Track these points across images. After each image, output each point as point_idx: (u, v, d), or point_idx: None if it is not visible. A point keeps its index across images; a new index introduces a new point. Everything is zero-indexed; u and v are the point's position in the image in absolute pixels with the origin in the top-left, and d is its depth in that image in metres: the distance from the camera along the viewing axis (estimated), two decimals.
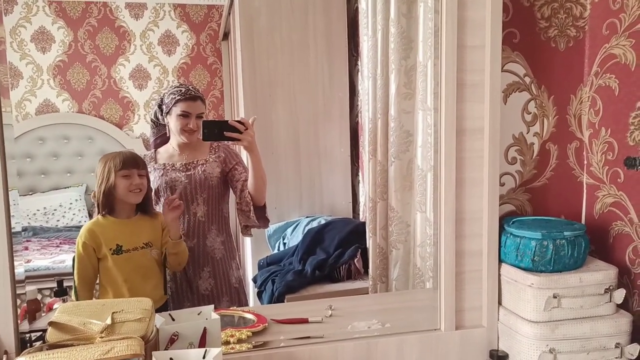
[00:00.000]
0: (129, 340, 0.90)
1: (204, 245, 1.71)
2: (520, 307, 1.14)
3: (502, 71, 1.25)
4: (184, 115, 1.67)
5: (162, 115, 1.76)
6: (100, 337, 0.93)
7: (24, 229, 3.07)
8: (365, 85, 2.07)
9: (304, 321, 1.35)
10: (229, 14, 3.02)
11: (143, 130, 3.85)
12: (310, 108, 2.62)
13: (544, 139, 1.30)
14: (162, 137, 1.80)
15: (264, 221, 1.76)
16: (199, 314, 1.12)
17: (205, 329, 1.04)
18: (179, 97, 1.69)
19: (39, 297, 2.39)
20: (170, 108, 1.69)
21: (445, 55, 1.13)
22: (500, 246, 1.19)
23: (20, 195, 3.56)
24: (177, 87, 1.75)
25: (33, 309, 1.17)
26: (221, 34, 3.66)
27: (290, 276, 2.11)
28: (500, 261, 1.20)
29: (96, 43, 3.74)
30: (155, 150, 1.76)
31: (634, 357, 1.11)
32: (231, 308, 1.42)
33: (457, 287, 1.18)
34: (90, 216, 3.44)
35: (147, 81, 3.87)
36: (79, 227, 3.16)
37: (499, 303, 1.21)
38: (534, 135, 1.30)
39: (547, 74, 1.28)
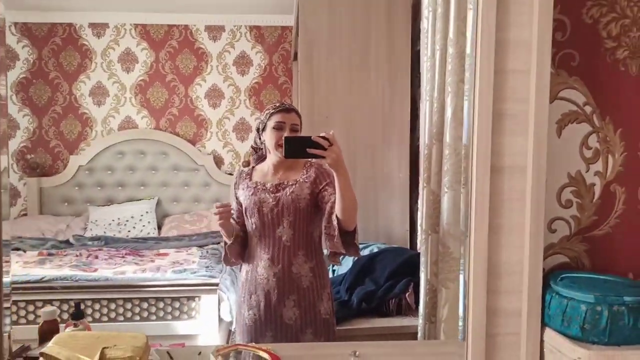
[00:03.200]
0: None
1: (289, 272, 1.64)
2: None
3: (556, 99, 1.08)
4: (278, 127, 1.64)
5: (260, 138, 1.76)
6: None
7: (98, 238, 3.27)
8: (423, 108, 1.95)
9: None
10: (297, 34, 3.02)
11: (214, 147, 3.98)
12: (369, 130, 2.53)
13: (608, 179, 1.09)
14: (261, 160, 1.79)
15: (353, 248, 1.63)
16: (199, 354, 1.06)
17: None
18: (272, 111, 1.68)
19: (97, 306, 2.52)
20: (265, 123, 1.68)
21: (479, 80, 0.99)
22: (544, 307, 1.01)
23: (99, 206, 3.83)
24: (272, 104, 1.74)
25: (48, 330, 1.18)
26: (292, 54, 3.69)
27: (335, 307, 2.01)
28: (544, 325, 1.01)
29: (176, 64, 3.94)
30: (252, 168, 1.76)
31: None
32: (249, 344, 1.34)
33: (489, 351, 1.01)
34: (159, 229, 3.61)
35: (221, 100, 4.00)
36: (146, 239, 3.33)
37: None
38: (595, 175, 1.09)
39: (613, 103, 1.08)
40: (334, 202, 1.58)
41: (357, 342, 1.51)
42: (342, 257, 1.74)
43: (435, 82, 1.81)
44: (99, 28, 3.85)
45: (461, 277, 1.62)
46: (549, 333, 1.00)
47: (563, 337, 0.97)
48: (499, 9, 0.98)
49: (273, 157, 1.67)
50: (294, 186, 1.65)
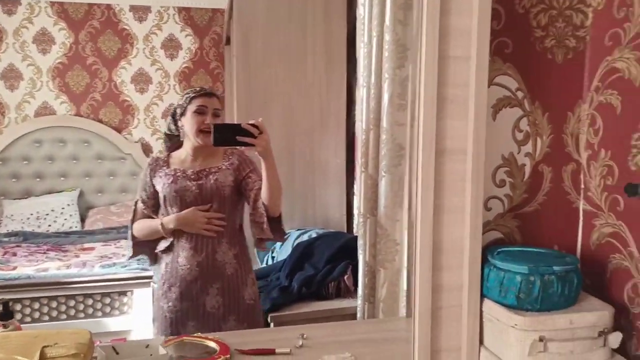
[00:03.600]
0: None
1: (214, 260, 1.61)
2: (503, 349, 1.02)
3: (491, 85, 1.14)
4: (200, 111, 1.60)
5: (175, 124, 1.70)
6: None
7: (15, 234, 3.02)
8: (360, 94, 1.98)
9: (271, 352, 1.25)
10: (230, 18, 2.94)
11: (142, 134, 3.81)
12: (307, 117, 2.53)
13: (537, 159, 1.18)
14: (176, 146, 1.73)
15: (279, 233, 1.66)
16: (146, 347, 1.02)
17: None
18: (193, 95, 1.63)
19: (19, 307, 2.33)
20: (185, 107, 1.63)
21: (425, 66, 1.02)
22: (482, 279, 1.07)
23: (15, 199, 3.54)
24: (191, 88, 1.70)
25: None
26: (224, 38, 3.59)
27: (276, 293, 2.01)
28: (483, 296, 1.08)
29: (98, 45, 3.71)
30: (168, 154, 1.70)
31: None
32: (195, 335, 1.31)
33: (434, 324, 1.06)
34: (83, 222, 3.40)
35: (149, 85, 3.82)
36: (68, 234, 3.14)
37: (481, 343, 1.09)
38: (525, 156, 1.17)
39: (542, 89, 1.16)
40: (258, 189, 1.59)
41: (304, 325, 1.53)
42: (267, 242, 1.74)
43: (372, 68, 1.84)
44: (9, 5, 3.53)
45: (405, 256, 1.69)
46: (487, 304, 1.07)
47: (500, 306, 1.03)
48: None
49: (193, 142, 1.62)
50: (217, 173, 1.62)
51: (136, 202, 1.69)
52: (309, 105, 2.52)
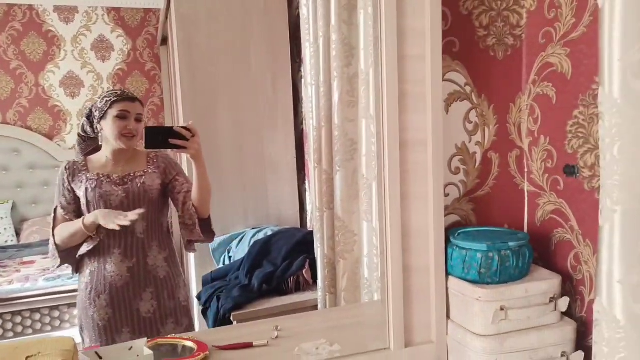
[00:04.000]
0: None
1: (145, 265, 1.60)
2: (469, 321, 1.12)
3: (443, 81, 1.24)
4: (122, 116, 1.57)
5: (91, 126, 1.64)
6: None
7: None
8: (308, 92, 2.03)
9: (249, 345, 1.28)
10: (167, 17, 2.89)
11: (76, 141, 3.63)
12: (254, 115, 2.55)
13: (486, 147, 1.29)
14: (92, 151, 1.67)
15: (209, 235, 1.68)
16: (130, 349, 1.02)
17: None
18: (115, 99, 1.58)
19: None
20: (106, 111, 1.58)
21: (387, 65, 1.09)
22: (447, 259, 1.17)
23: None
24: (111, 91, 1.65)
25: None
26: (159, 38, 3.51)
27: (237, 292, 2.02)
28: (448, 274, 1.18)
29: (21, 48, 3.50)
30: (85, 158, 1.63)
31: None
32: (170, 336, 1.32)
33: (406, 303, 1.15)
34: (18, 235, 3.21)
35: (80, 89, 3.65)
36: (5, 248, 2.95)
37: (448, 317, 1.19)
38: (476, 145, 1.29)
39: (486, 83, 1.28)
40: (187, 192, 1.62)
41: (276, 317, 1.57)
42: (196, 244, 1.74)
43: (320, 67, 1.90)
44: None
45: (364, 245, 1.76)
46: (452, 280, 1.17)
47: (465, 282, 1.13)
48: (398, 1, 1.09)
49: (113, 146, 1.60)
50: (143, 177, 1.61)
51: (55, 209, 1.62)
52: (255, 103, 2.55)
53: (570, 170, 1.16)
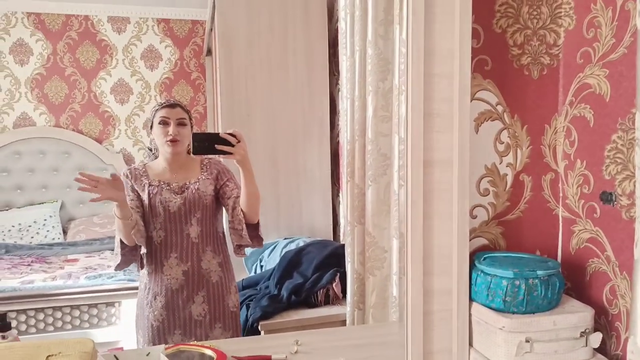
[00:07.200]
0: None
1: (199, 268, 1.65)
2: (492, 350, 1.08)
3: (473, 99, 1.21)
4: (164, 122, 1.64)
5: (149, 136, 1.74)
6: None
7: None
8: (344, 105, 2.03)
9: (267, 359, 1.28)
10: (211, 29, 2.97)
11: (124, 145, 3.79)
12: (290, 127, 2.58)
13: (518, 169, 1.25)
14: (153, 158, 1.77)
15: (257, 240, 1.70)
16: (147, 355, 1.05)
17: None
18: (157, 108, 1.68)
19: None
20: (152, 121, 1.68)
21: (412, 84, 1.08)
22: (471, 284, 1.13)
23: None
24: (158, 102, 1.75)
25: None
26: (205, 49, 3.61)
27: (265, 301, 2.04)
28: (471, 300, 1.14)
29: (76, 56, 3.69)
30: (144, 165, 1.72)
31: None
32: (190, 343, 1.34)
33: (426, 327, 1.12)
34: (65, 234, 3.36)
35: (129, 96, 3.82)
36: (52, 245, 3.10)
37: (470, 345, 1.15)
38: (507, 166, 1.24)
39: (520, 103, 1.23)
40: (236, 197, 1.65)
41: (296, 332, 1.57)
42: (246, 249, 1.78)
43: (355, 81, 1.90)
44: None
45: (394, 263, 1.74)
46: (476, 307, 1.13)
47: (488, 309, 1.09)
48: (426, 20, 1.08)
49: (165, 153, 1.66)
50: (197, 183, 1.66)
51: None
52: (292, 115, 2.57)
53: (607, 198, 1.10)
